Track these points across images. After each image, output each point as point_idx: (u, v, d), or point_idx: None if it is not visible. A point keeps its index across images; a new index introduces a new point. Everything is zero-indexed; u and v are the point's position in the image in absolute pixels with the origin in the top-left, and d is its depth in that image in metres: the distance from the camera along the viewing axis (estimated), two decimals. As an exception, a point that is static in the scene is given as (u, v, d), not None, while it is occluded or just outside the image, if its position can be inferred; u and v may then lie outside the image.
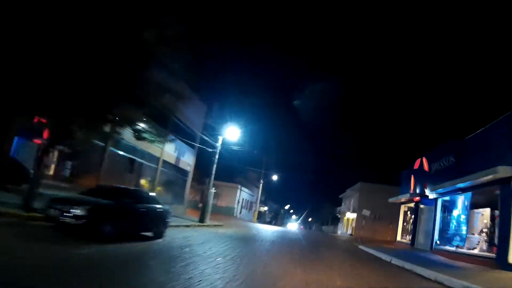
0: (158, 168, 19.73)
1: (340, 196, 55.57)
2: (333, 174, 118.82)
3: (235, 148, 24.40)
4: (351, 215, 44.06)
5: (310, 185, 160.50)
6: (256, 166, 44.88)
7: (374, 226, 40.62)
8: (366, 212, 25.59)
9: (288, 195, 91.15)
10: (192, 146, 24.06)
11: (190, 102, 17.13)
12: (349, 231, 43.80)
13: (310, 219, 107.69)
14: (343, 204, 55.88)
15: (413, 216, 22.99)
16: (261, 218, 64.83)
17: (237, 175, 49.83)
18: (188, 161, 24.72)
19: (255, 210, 43.40)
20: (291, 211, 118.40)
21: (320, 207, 66.70)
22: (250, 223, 35.64)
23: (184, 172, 24.75)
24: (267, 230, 26.27)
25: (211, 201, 20.97)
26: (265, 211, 75.13)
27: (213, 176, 20.88)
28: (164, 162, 20.26)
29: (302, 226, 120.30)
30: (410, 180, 22.69)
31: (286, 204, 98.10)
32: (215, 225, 20.02)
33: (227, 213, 42.93)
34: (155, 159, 19.48)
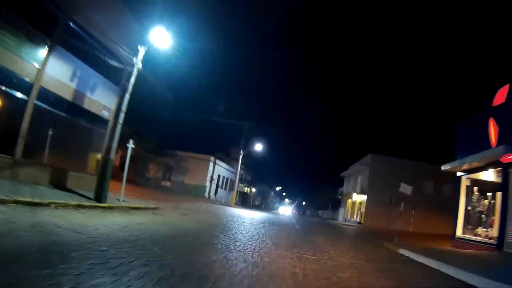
0: (29, 102, 9.58)
1: (342, 174, 45.85)
2: (332, 148, 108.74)
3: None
4: (358, 198, 34.35)
5: (305, 163, 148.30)
6: (238, 137, 34.70)
7: (390, 213, 30.86)
8: (406, 189, 15.42)
9: (280, 176, 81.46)
10: (115, 81, 14.11)
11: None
12: (356, 218, 34.14)
13: (304, 203, 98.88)
14: (345, 184, 46.30)
15: (489, 196, 13.18)
16: (246, 201, 55.25)
17: (216, 148, 39.70)
18: (104, 101, 14.54)
19: (233, 190, 33.44)
20: (284, 194, 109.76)
21: (316, 189, 57.04)
22: (226, 207, 25.85)
23: (96, 120, 14.54)
24: (246, 217, 16.91)
25: (126, 163, 11.17)
26: (252, 193, 65.72)
27: (122, 115, 10.74)
28: (46, 93, 10.17)
29: (295, 211, 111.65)
30: (487, 128, 12.71)
31: (278, 186, 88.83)
32: (135, 208, 10.45)
33: (196, 193, 33.12)
34: (23, 85, 9.43)
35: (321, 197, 52.06)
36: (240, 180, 50.64)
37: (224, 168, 41.47)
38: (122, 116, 10.97)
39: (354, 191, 35.51)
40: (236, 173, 34.33)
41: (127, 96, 11.15)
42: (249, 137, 34.57)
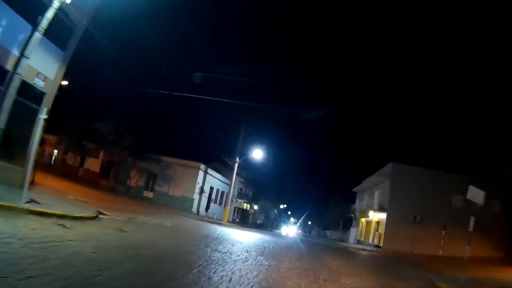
0: None
1: (355, 189, 40.48)
2: (343, 160, 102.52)
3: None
4: (375, 216, 28.99)
5: (312, 178, 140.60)
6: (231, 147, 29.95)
7: (414, 233, 25.63)
8: (477, 194, 9.93)
9: (285, 193, 75.83)
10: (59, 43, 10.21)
11: None
12: (373, 240, 28.66)
13: (310, 223, 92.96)
14: (357, 201, 40.89)
15: None
16: (245, 218, 49.87)
17: (212, 158, 34.86)
18: (39, 67, 10.19)
19: (226, 205, 28.36)
20: (289, 212, 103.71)
21: (324, 206, 51.39)
22: (214, 225, 20.92)
23: (27, 92, 10.10)
24: (228, 240, 11.93)
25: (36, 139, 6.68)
26: (253, 210, 60.32)
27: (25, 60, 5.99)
28: None
29: (299, 231, 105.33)
30: None
31: (282, 204, 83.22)
32: (43, 214, 5.96)
33: (182, 207, 28.23)
34: None
35: (330, 216, 46.46)
36: (239, 195, 45.46)
37: (219, 180, 36.50)
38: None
39: (370, 208, 30.20)
40: (231, 185, 29.28)
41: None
42: (248, 144, 29.70)
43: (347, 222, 41.03)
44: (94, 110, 30.21)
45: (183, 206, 29.49)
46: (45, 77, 11.05)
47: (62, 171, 31.69)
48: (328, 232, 57.36)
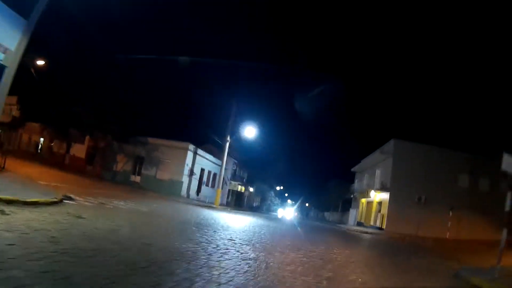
0: None
1: (354, 169, 38.90)
2: (341, 138, 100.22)
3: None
4: (377, 196, 27.43)
5: (310, 157, 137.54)
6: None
7: (418, 215, 24.17)
8: None
9: (282, 174, 74.18)
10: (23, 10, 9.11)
11: None
12: (375, 222, 27.19)
13: (307, 204, 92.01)
14: (357, 181, 39.39)
15: None
16: (240, 201, 48.39)
17: (204, 139, 32.98)
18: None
19: (218, 188, 26.66)
20: (286, 194, 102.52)
21: (322, 187, 49.89)
22: (205, 209, 19.33)
23: None
24: (213, 226, 9.89)
25: None
26: (248, 192, 58.89)
27: None
28: None
29: (297, 213, 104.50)
30: None
31: (279, 186, 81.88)
32: None
33: (171, 190, 26.49)
34: None
35: (328, 197, 45.02)
36: (233, 177, 43.79)
37: (211, 161, 34.69)
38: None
39: (371, 188, 28.65)
40: (222, 165, 27.47)
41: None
42: (240, 122, 27.74)
43: (347, 204, 39.63)
44: (75, 93, 27.91)
45: (171, 190, 27.73)
46: (6, 49, 9.74)
47: (49, 159, 30.40)
48: (326, 214, 56.20)
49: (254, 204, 65.84)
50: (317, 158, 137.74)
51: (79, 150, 31.78)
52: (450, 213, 23.73)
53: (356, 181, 39.51)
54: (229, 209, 27.65)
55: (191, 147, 29.22)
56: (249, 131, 26.84)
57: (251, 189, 62.86)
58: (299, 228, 17.42)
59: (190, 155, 29.12)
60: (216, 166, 36.79)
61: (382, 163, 27.61)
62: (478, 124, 37.64)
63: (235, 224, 12.75)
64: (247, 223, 14.43)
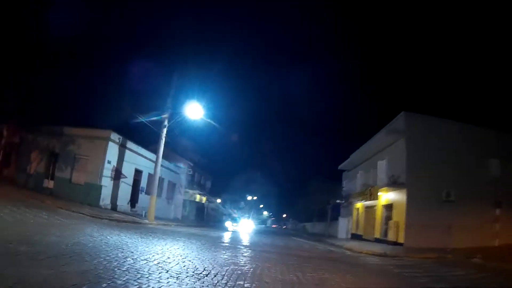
0: None
1: (341, 166, 31.36)
2: (322, 137, 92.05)
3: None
4: (384, 196, 19.73)
5: (285, 166, 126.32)
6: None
7: (448, 217, 16.72)
8: None
9: (255, 185, 65.60)
10: None
11: None
12: (382, 234, 19.43)
13: (284, 215, 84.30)
14: (345, 183, 31.76)
15: None
16: (201, 214, 39.69)
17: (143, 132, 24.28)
18: None
19: (152, 194, 18.11)
20: (261, 206, 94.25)
21: (302, 195, 41.75)
22: (120, 230, 10.70)
23: None
24: None
25: None
26: (213, 203, 50.35)
27: None
28: None
29: (274, 225, 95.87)
30: None
31: (252, 196, 73.51)
32: None
33: (86, 198, 17.67)
34: None
35: (309, 205, 37.05)
36: (191, 185, 35.14)
37: (147, 158, 25.91)
38: None
39: (372, 187, 20.96)
40: (157, 161, 18.91)
41: None
42: (188, 98, 19.47)
43: (335, 211, 31.73)
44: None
45: (88, 197, 18.98)
46: None
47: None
48: (308, 225, 48.20)
49: (223, 218, 57.19)
50: (295, 160, 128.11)
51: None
52: (497, 211, 16.48)
53: (344, 182, 31.92)
54: (172, 225, 19.15)
55: (115, 136, 20.48)
56: (196, 111, 18.59)
57: (219, 200, 54.30)
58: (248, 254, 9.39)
59: (113, 148, 20.33)
60: (164, 168, 28.09)
61: (388, 150, 20.04)
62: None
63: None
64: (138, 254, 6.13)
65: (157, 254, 6.60)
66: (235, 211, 54.81)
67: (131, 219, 16.53)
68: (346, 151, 33.69)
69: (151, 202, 18.04)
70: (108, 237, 8.13)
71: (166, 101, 19.21)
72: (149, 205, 18.14)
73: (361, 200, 22.89)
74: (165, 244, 8.48)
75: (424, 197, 17.03)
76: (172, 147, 31.33)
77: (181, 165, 32.73)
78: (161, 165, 27.35)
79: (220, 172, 49.58)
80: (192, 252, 7.64)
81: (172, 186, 30.29)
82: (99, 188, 19.44)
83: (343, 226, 29.98)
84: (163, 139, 18.63)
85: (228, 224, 27.96)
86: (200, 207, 39.35)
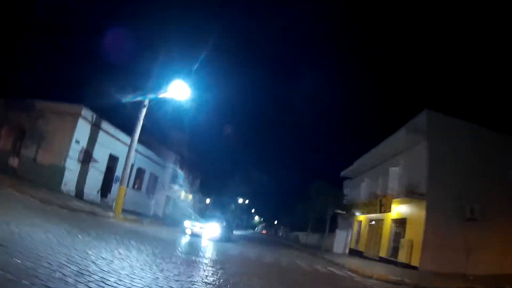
0: None
1: (344, 173, 28.79)
2: (325, 138, 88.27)
3: None
4: (396, 210, 16.96)
5: (283, 167, 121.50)
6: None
7: (470, 238, 14.06)
8: None
9: (248, 188, 62.67)
10: None
11: None
12: (390, 253, 16.72)
13: (276, 222, 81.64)
14: (346, 191, 28.93)
15: None
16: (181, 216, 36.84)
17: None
18: None
19: (121, 184, 15.33)
20: (253, 210, 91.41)
21: (297, 201, 38.88)
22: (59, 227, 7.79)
23: None
24: None
25: None
26: (203, 204, 47.73)
27: None
28: None
29: (265, 231, 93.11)
30: None
31: (244, 199, 70.82)
32: None
33: (50, 181, 14.95)
34: None
35: (305, 212, 34.18)
36: (176, 180, 32.38)
37: (122, 141, 23.01)
38: None
39: (380, 197, 18.28)
40: (132, 145, 16.14)
41: None
42: (174, 75, 16.73)
43: (333, 222, 28.89)
44: None
45: (52, 180, 16.26)
46: None
47: None
48: (301, 235, 45.29)
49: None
50: (292, 164, 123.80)
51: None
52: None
53: (346, 191, 29.13)
54: (142, 224, 16.34)
55: (88, 113, 17.71)
56: (182, 91, 15.88)
57: (208, 201, 51.55)
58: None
59: (84, 126, 17.56)
60: (146, 159, 25.33)
61: (405, 154, 17.38)
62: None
63: None
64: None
65: (67, 263, 3.91)
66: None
67: (92, 210, 13.75)
68: (348, 157, 31.10)
69: (118, 193, 15.24)
70: (26, 230, 5.44)
71: (149, 79, 16.57)
72: (116, 197, 15.33)
73: (367, 212, 20.18)
74: (97, 249, 5.77)
75: (446, 213, 14.38)
76: (158, 138, 28.62)
77: (167, 159, 29.91)
78: (144, 155, 24.68)
79: (210, 171, 46.73)
80: (121, 268, 4.93)
81: (154, 179, 27.44)
82: (61, 170, 16.63)
83: (341, 240, 27.26)
84: (141, 120, 15.87)
85: (187, 224, 16.51)
86: (185, 205, 36.50)
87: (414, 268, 13.95)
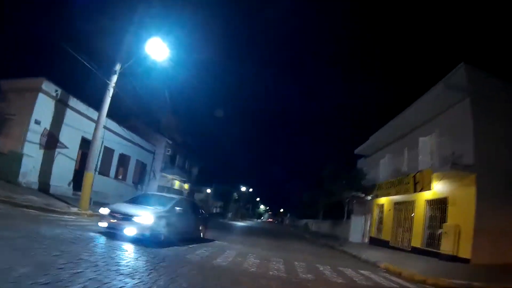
0: None
1: (358, 150, 25.77)
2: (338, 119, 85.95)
3: None
4: (437, 187, 13.76)
5: (292, 144, 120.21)
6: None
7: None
8: None
9: (252, 173, 59.93)
10: None
11: None
12: (425, 243, 13.69)
13: (281, 210, 79.40)
14: (363, 166, 25.80)
15: None
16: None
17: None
18: None
19: (87, 170, 12.31)
20: (258, 199, 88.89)
21: (306, 186, 35.89)
22: None
23: None
24: None
25: None
26: (204, 194, 45.19)
27: None
28: None
29: (270, 219, 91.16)
30: None
31: (248, 187, 68.31)
32: None
33: (8, 171, 11.82)
34: None
35: (317, 198, 31.10)
36: (170, 168, 29.53)
37: (117, 133, 20.31)
38: None
39: (411, 174, 15.25)
40: (99, 120, 13.14)
41: None
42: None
43: (343, 208, 25.81)
44: None
45: (10, 170, 13.38)
46: None
47: None
48: (311, 223, 42.55)
49: (214, 211, 51.72)
50: (302, 147, 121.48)
51: None
52: None
53: (364, 170, 25.96)
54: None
55: (50, 87, 14.67)
56: (160, 50, 12.77)
57: (208, 191, 48.83)
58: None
59: (46, 103, 14.55)
60: (130, 143, 22.31)
61: (439, 120, 14.24)
62: None
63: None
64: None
65: None
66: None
67: (47, 205, 10.83)
68: (362, 136, 27.95)
69: (84, 182, 12.30)
70: None
71: (122, 41, 13.45)
72: (82, 187, 12.37)
73: (395, 193, 17.12)
74: None
75: (501, 190, 11.36)
76: (144, 119, 25.60)
77: (157, 144, 26.87)
78: (127, 139, 21.66)
79: (210, 158, 44.02)
80: None
81: (142, 167, 24.46)
82: (19, 157, 13.67)
83: (358, 227, 24.35)
84: (111, 89, 12.81)
85: (104, 212, 8.47)
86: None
87: (464, 261, 10.99)
